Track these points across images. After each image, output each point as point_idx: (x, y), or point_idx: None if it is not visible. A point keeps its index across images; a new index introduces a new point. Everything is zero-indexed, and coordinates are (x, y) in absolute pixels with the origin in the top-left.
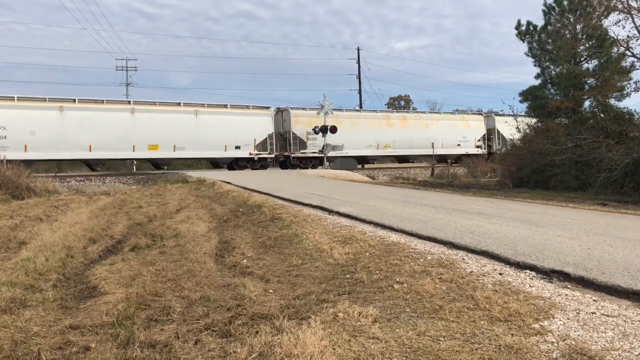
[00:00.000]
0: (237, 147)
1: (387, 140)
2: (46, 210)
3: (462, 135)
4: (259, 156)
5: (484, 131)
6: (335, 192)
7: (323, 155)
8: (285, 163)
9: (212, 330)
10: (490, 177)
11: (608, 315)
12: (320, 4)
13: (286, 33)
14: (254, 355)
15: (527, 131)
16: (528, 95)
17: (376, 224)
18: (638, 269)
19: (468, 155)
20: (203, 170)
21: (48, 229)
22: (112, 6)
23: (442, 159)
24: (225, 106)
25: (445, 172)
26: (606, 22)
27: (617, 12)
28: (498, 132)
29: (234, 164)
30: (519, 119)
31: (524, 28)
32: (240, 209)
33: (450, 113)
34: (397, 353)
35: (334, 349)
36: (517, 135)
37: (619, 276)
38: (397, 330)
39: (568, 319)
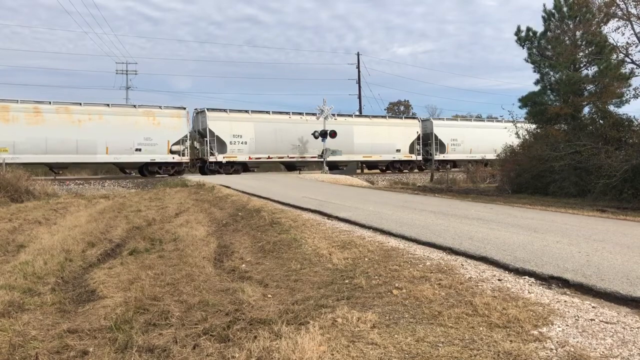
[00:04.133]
0: None
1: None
2: (45, 213)
3: (146, 136)
4: None
5: (186, 132)
6: (334, 196)
7: (322, 159)
8: None
9: (211, 335)
10: (489, 182)
11: (607, 322)
12: (324, 9)
13: (289, 37)
14: None
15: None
16: (527, 101)
17: (375, 229)
18: (637, 275)
19: (157, 164)
20: None
21: (47, 232)
22: (116, 10)
23: (121, 168)
24: None
25: (444, 178)
26: (606, 29)
27: (617, 19)
28: (212, 132)
29: None
30: (262, 116)
31: (523, 34)
32: (240, 213)
33: (130, 106)
34: (395, 359)
35: (333, 354)
36: (247, 137)
37: (618, 283)
38: (396, 335)
39: (567, 325)
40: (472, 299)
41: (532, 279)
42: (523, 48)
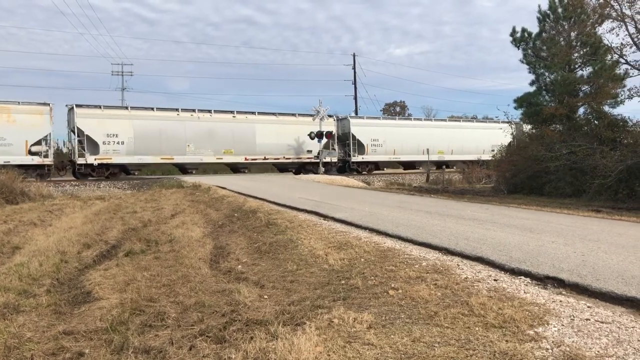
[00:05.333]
0: None
1: None
2: (40, 215)
3: None
4: None
5: (49, 131)
6: (330, 197)
7: (318, 160)
8: None
9: (207, 336)
10: (485, 183)
11: (602, 322)
12: (320, 10)
13: (286, 38)
14: None
15: None
16: (523, 101)
17: (371, 230)
18: (632, 275)
19: (14, 167)
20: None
21: (42, 233)
22: (113, 11)
23: None
24: None
25: (440, 178)
26: (600, 30)
27: (611, 20)
28: (81, 131)
29: None
30: (124, 111)
31: (518, 35)
32: (235, 214)
33: None
34: (392, 359)
35: (329, 355)
36: (125, 136)
37: (613, 282)
38: (392, 336)
39: (562, 325)
40: (468, 299)
41: (528, 279)
42: (518, 49)
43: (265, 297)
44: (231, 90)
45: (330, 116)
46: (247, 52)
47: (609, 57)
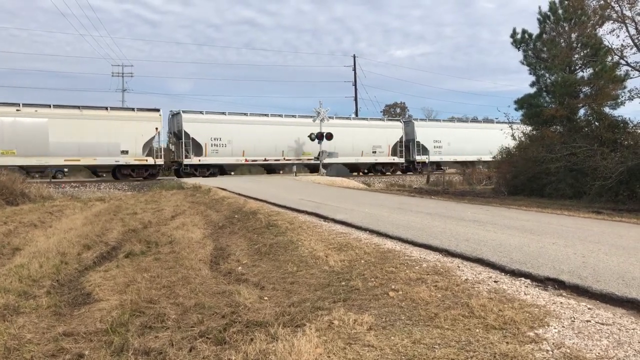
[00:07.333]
0: None
1: None
2: (40, 216)
3: None
4: None
5: None
6: (330, 199)
7: (319, 162)
8: None
9: (207, 338)
10: (485, 184)
11: (603, 324)
12: (322, 12)
13: (287, 40)
14: None
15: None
16: (523, 103)
17: (372, 231)
18: (632, 276)
19: None
20: None
21: (42, 235)
22: (114, 12)
23: None
24: None
25: (440, 180)
26: (601, 31)
27: (612, 21)
28: None
29: None
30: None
31: (519, 36)
32: (236, 216)
33: None
34: None
35: (329, 356)
36: None
37: (614, 284)
38: (393, 337)
39: (563, 327)
40: (469, 301)
41: (528, 281)
42: (519, 50)
43: (266, 298)
44: (233, 91)
45: (155, 110)
46: (249, 54)
47: (610, 58)
